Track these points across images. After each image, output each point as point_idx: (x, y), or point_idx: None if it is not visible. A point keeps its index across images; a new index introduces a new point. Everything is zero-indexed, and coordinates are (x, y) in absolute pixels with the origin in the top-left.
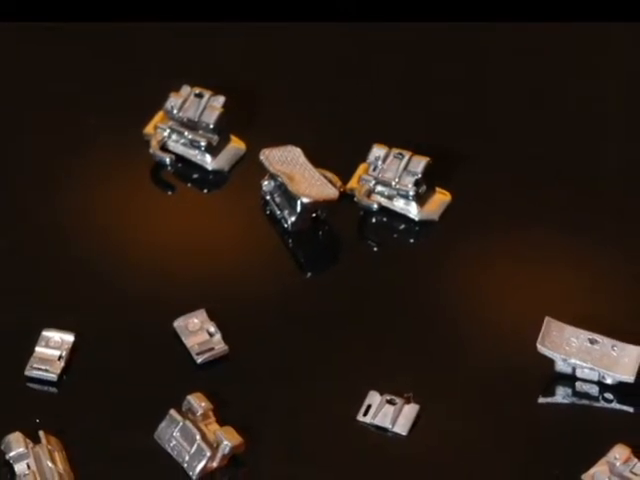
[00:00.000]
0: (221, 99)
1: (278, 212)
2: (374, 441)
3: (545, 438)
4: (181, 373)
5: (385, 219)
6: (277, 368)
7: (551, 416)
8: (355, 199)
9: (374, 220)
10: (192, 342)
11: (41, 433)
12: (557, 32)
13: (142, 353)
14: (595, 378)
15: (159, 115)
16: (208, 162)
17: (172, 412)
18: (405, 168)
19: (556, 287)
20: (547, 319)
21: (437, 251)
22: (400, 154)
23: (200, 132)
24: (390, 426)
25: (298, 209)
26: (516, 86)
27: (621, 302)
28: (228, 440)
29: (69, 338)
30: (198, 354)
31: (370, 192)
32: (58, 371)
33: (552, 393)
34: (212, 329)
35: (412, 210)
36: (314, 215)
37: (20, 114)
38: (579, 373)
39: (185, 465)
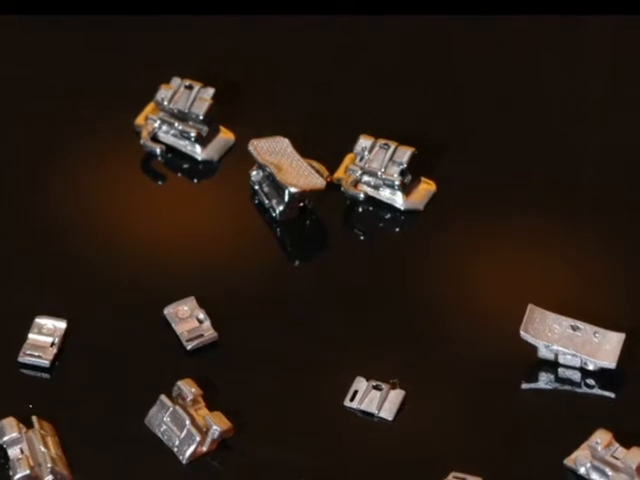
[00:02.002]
0: (211, 91)
1: (266, 201)
2: (360, 426)
3: (528, 423)
4: (171, 359)
5: (371, 208)
6: (265, 354)
7: (534, 401)
8: (342, 189)
9: (360, 209)
10: (182, 329)
11: (34, 418)
12: (537, 25)
13: (133, 340)
14: (577, 364)
15: (150, 106)
16: (198, 152)
17: (162, 397)
18: (391, 158)
19: (539, 275)
20: (530, 306)
21: (422, 240)
22: (386, 144)
23: (190, 123)
24: (376, 411)
25: (286, 198)
26: (498, 78)
27: (603, 289)
28: (217, 425)
29: (61, 325)
30: (188, 340)
31: (356, 182)
32: (51, 357)
33: (535, 379)
34: (201, 316)
35: (398, 199)
36: (302, 204)
37: (13, 105)
38: (561, 359)
39: (175, 449)
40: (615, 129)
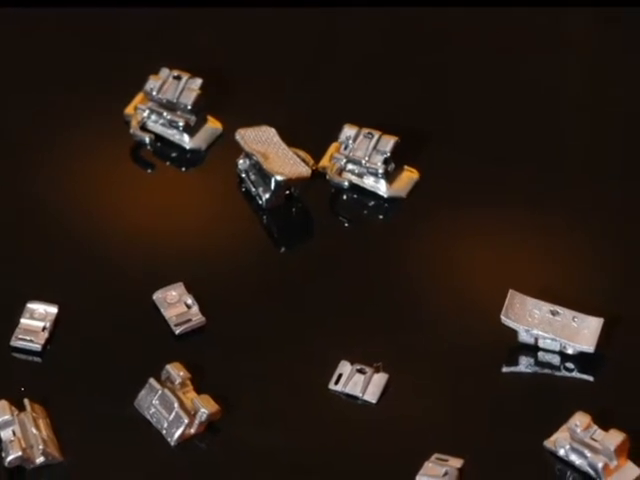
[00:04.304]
0: (198, 81)
1: (253, 189)
2: (345, 409)
3: (509, 406)
4: (160, 343)
5: (355, 196)
6: (252, 339)
7: (514, 385)
8: (327, 177)
9: (345, 197)
10: (170, 314)
11: (26, 401)
12: (524, 14)
13: (123, 324)
14: (557, 348)
15: (139, 96)
16: (186, 141)
17: (151, 381)
18: (375, 147)
19: (519, 261)
20: (511, 292)
21: (405, 226)
22: (370, 134)
23: (178, 113)
24: (360, 394)
25: (272, 187)
26: (482, 68)
27: (581, 275)
28: (205, 408)
29: (53, 310)
30: (176, 325)
31: (341, 170)
32: (42, 342)
33: (515, 363)
34: (190, 301)
35: (381, 187)
36: (288, 192)
37: (5, 96)
38: (541, 343)
39: (164, 432)
40: (601, 120)
